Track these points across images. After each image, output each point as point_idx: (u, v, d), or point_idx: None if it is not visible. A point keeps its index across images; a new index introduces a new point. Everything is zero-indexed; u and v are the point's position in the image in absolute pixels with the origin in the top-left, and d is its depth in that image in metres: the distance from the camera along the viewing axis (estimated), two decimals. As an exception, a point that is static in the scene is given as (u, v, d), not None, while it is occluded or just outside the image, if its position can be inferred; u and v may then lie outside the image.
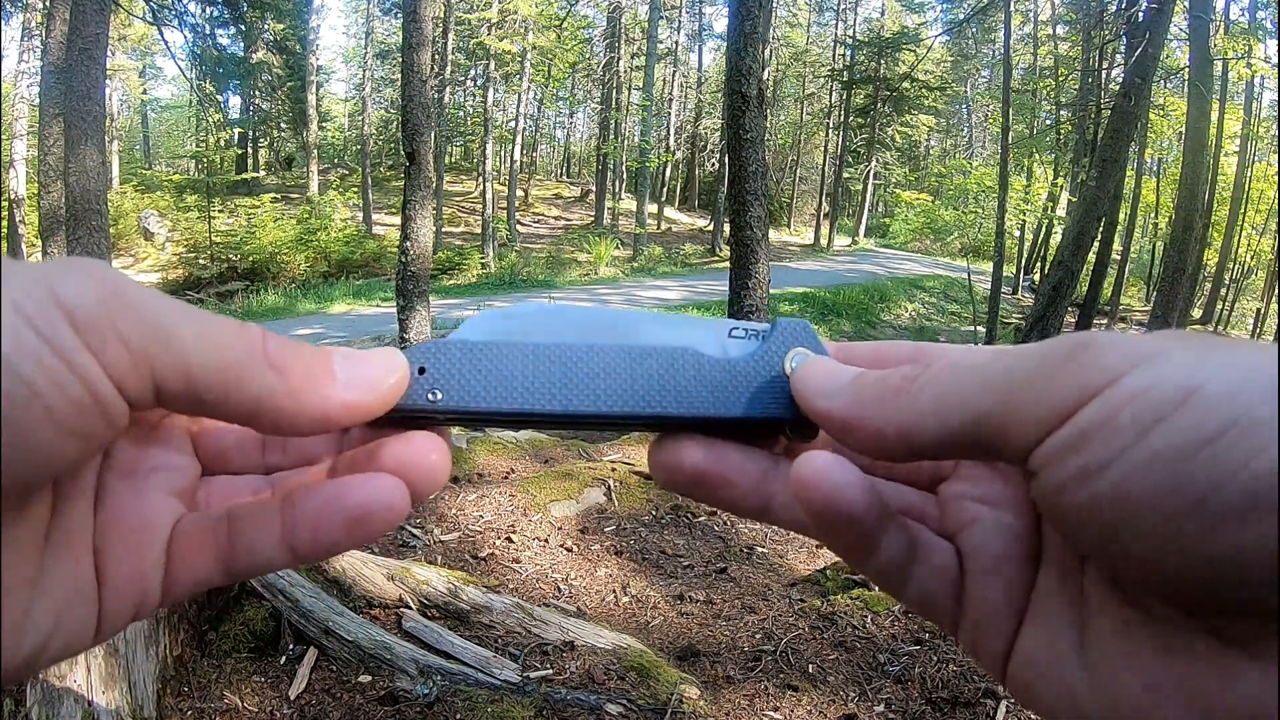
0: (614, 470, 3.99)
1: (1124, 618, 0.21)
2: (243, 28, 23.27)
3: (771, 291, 5.50)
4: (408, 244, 5.02)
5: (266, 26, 24.00)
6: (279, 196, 21.97)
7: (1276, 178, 18.00)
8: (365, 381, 0.25)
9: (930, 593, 0.28)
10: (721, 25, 32.51)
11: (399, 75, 4.97)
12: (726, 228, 8.53)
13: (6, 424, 0.19)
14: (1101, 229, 11.54)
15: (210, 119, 21.81)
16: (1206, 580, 0.17)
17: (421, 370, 0.28)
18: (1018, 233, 20.57)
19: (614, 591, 3.03)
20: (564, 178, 37.89)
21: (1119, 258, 17.89)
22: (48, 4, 7.82)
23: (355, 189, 24.71)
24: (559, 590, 2.99)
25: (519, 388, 0.28)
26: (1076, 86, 18.11)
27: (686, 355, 0.30)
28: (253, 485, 0.29)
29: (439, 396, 0.28)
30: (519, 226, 24.66)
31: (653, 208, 25.60)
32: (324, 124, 30.46)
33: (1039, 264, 22.82)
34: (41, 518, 0.23)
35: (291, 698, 2.03)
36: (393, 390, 0.26)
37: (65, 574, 0.24)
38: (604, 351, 0.29)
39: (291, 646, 2.16)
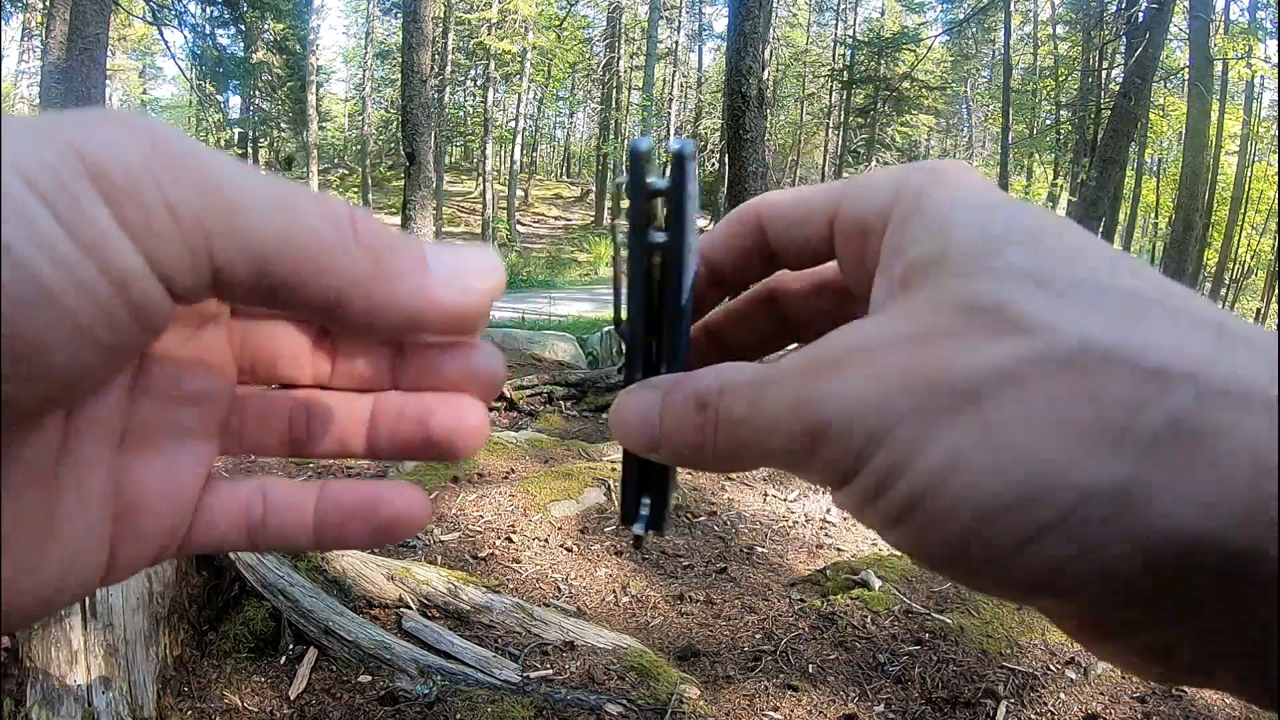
0: (614, 470, 3.99)
1: None
2: (243, 28, 23.27)
3: (771, 291, 5.51)
4: (408, 244, 5.04)
5: (266, 26, 24.01)
6: (279, 196, 21.93)
7: (1277, 178, 18.00)
8: (465, 283, 0.22)
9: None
10: (721, 25, 32.52)
11: (399, 75, 4.98)
12: (726, 228, 8.58)
13: (8, 338, 0.14)
14: (1101, 229, 11.54)
15: (210, 119, 21.84)
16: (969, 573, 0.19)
17: None
18: (1018, 233, 20.56)
19: (614, 591, 3.03)
20: (564, 178, 37.90)
21: (1119, 258, 17.87)
22: (48, 4, 7.82)
23: (355, 189, 24.73)
24: (559, 590, 2.99)
25: None
26: (1076, 86, 18.12)
27: None
28: (289, 407, 0.26)
29: None
30: (519, 226, 24.67)
31: (653, 208, 25.55)
32: (324, 124, 30.47)
33: (1039, 264, 22.76)
34: (51, 445, 0.20)
35: (291, 698, 2.03)
36: (489, 298, 0.23)
37: (77, 508, 0.21)
38: None
39: (291, 646, 2.16)
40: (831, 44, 29.68)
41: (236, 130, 26.86)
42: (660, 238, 0.28)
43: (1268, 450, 0.15)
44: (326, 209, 0.19)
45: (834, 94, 28.35)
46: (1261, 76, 17.37)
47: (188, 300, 0.18)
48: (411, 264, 0.21)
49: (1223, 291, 21.41)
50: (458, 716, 2.01)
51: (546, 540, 3.33)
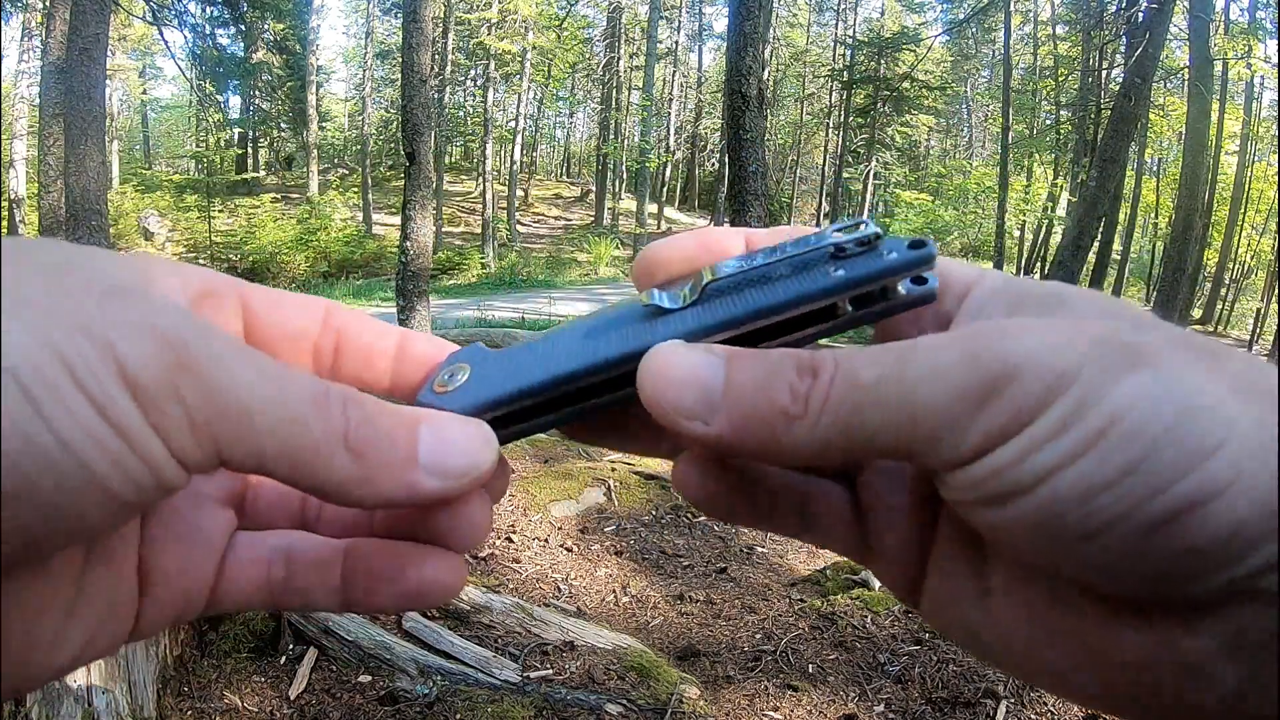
0: (614, 470, 3.99)
1: (1019, 573, 0.23)
2: (243, 28, 23.27)
3: (771, 291, 5.51)
4: (408, 244, 5.02)
5: (266, 26, 24.00)
6: (279, 196, 21.98)
7: (1276, 178, 18.00)
8: (453, 470, 0.23)
9: (837, 536, 0.28)
10: (721, 25, 32.53)
11: (399, 75, 4.97)
12: (727, 228, 8.59)
13: (56, 505, 0.17)
14: (1101, 229, 11.54)
15: (210, 119, 21.83)
16: (1102, 581, 0.20)
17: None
18: (1018, 233, 20.57)
19: (614, 591, 3.03)
20: (564, 178, 37.91)
21: (1119, 258, 17.89)
22: (48, 4, 7.82)
23: (355, 189, 24.73)
24: (559, 590, 2.99)
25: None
26: (1076, 86, 18.11)
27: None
28: (300, 499, 0.28)
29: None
30: (519, 226, 24.67)
31: (653, 208, 25.60)
32: (324, 124, 30.45)
33: (1039, 264, 22.80)
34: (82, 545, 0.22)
35: (291, 698, 2.03)
36: (476, 483, 0.24)
37: (104, 590, 0.23)
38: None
39: (291, 646, 2.16)
40: (831, 44, 29.68)
41: (236, 130, 26.86)
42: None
43: None
44: (321, 413, 0.21)
45: (834, 94, 28.35)
46: (1261, 76, 17.37)
47: (199, 472, 0.20)
48: (400, 460, 0.22)
49: (1223, 291, 21.42)
50: (458, 716, 2.01)
51: (546, 540, 3.33)
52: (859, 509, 0.27)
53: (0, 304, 0.17)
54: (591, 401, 0.27)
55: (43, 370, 0.17)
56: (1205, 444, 0.18)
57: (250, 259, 18.09)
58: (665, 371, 0.23)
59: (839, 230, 0.26)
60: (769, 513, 0.27)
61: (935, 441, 0.20)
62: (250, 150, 28.88)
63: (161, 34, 18.44)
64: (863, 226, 0.26)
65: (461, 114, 31.53)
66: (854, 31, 28.90)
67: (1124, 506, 0.19)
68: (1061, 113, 19.56)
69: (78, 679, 1.77)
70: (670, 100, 29.28)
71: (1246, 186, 20.12)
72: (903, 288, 0.25)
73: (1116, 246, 16.16)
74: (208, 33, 21.94)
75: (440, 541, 0.25)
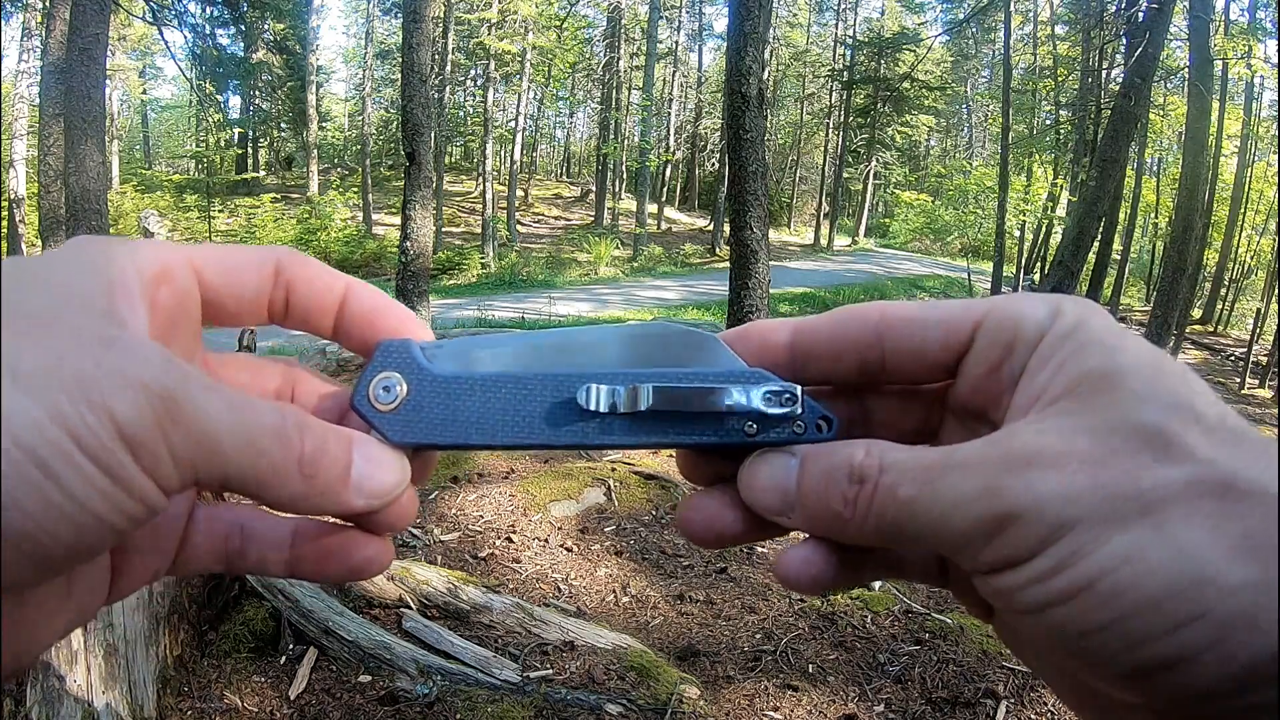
0: (614, 470, 3.99)
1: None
2: (243, 28, 23.27)
3: (771, 291, 5.50)
4: (408, 244, 5.02)
5: (266, 26, 24.00)
6: (279, 196, 21.98)
7: (1276, 178, 18.00)
8: (375, 491, 0.28)
9: (922, 575, 0.31)
10: (721, 25, 32.54)
11: (399, 75, 4.97)
12: (726, 228, 8.55)
13: (68, 544, 0.21)
14: (1101, 229, 11.53)
15: (210, 119, 21.84)
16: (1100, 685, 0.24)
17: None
18: (1018, 233, 20.55)
19: (614, 591, 3.03)
20: (564, 178, 37.90)
21: (1119, 258, 17.88)
22: (48, 4, 7.82)
23: (355, 189, 24.72)
24: (559, 590, 2.99)
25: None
26: (1076, 86, 18.11)
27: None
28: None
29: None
30: (519, 226, 24.66)
31: (653, 208, 25.60)
32: (324, 124, 30.46)
33: (1039, 264, 22.81)
34: None
35: (291, 698, 2.03)
36: (392, 499, 0.29)
37: (88, 573, 0.27)
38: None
39: (291, 646, 2.16)
40: (831, 44, 29.67)
41: (236, 130, 26.86)
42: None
43: None
44: (281, 442, 0.25)
45: (834, 94, 28.35)
46: (1261, 76, 17.37)
47: (175, 493, 0.24)
48: (338, 478, 0.27)
49: (1223, 291, 21.41)
50: (458, 716, 2.01)
51: (546, 540, 3.33)
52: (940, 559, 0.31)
53: (3, 377, 0.20)
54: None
55: (57, 444, 0.20)
56: (1186, 612, 0.20)
57: (250, 259, 18.05)
58: (754, 482, 0.28)
59: (768, 398, 0.29)
60: (860, 573, 0.31)
61: (957, 554, 0.24)
62: (250, 150, 28.87)
63: (161, 34, 18.44)
64: (789, 403, 0.29)
65: (461, 114, 31.52)
66: (854, 31, 28.89)
67: (1105, 651, 0.21)
68: (1061, 113, 19.56)
69: (78, 679, 1.76)
70: (670, 100, 29.28)
71: (1246, 186, 20.11)
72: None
73: (1116, 246, 16.15)
74: (208, 33, 21.93)
75: (371, 528, 0.30)
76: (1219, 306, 21.30)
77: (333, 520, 0.30)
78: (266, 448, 0.25)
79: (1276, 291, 18.20)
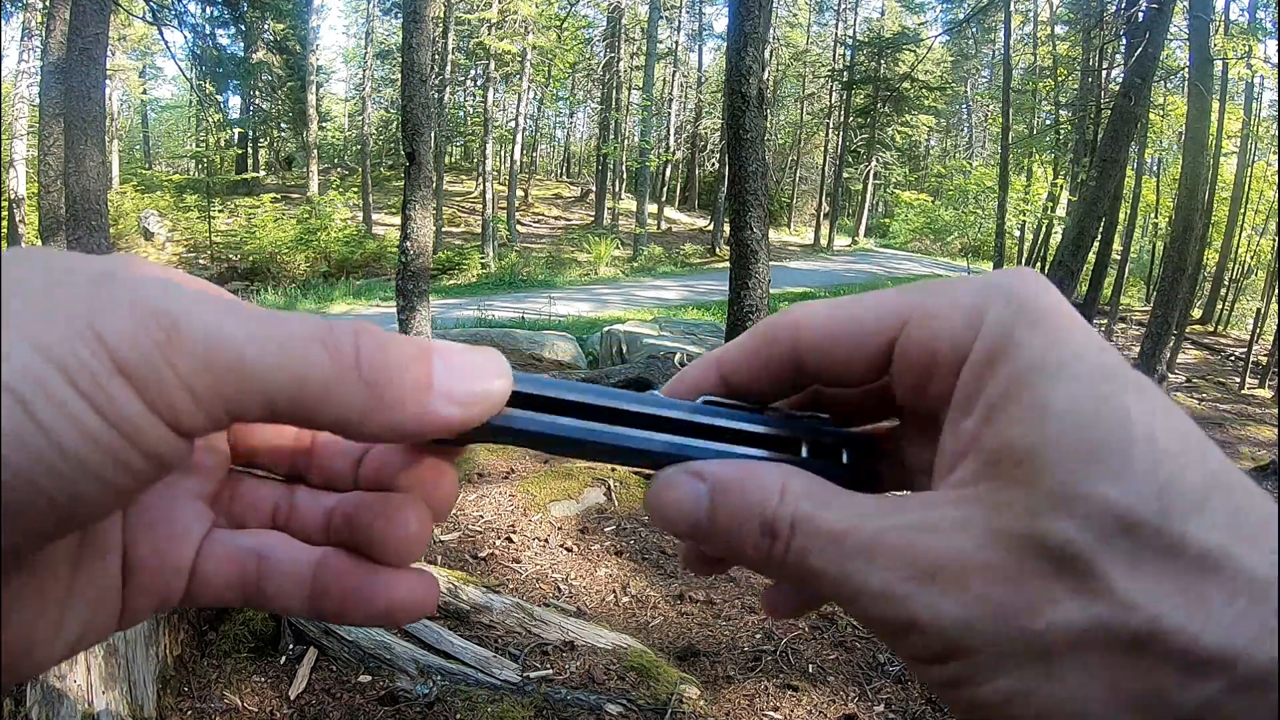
0: (614, 470, 3.99)
1: None
2: (243, 28, 23.26)
3: (771, 291, 5.50)
4: (408, 244, 5.02)
5: (266, 26, 24.00)
6: (279, 196, 21.97)
7: (1276, 178, 18.00)
8: (467, 396, 0.23)
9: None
10: (721, 25, 32.53)
11: (399, 75, 4.96)
12: (726, 228, 8.55)
13: (60, 503, 0.18)
14: (1101, 229, 11.52)
15: (210, 119, 21.84)
16: None
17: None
18: (1018, 233, 20.56)
19: (614, 591, 3.03)
20: (564, 178, 37.90)
21: (1119, 258, 17.87)
22: (48, 4, 7.82)
23: (355, 189, 24.72)
24: (559, 590, 2.99)
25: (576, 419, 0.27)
26: (1076, 86, 18.11)
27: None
28: (274, 495, 0.29)
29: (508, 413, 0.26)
30: (519, 226, 24.66)
31: (653, 208, 25.60)
32: (324, 124, 30.46)
33: (1039, 264, 22.79)
34: (76, 536, 0.23)
35: (291, 698, 2.03)
36: (493, 406, 0.24)
37: (94, 581, 0.24)
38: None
39: (291, 646, 2.16)
40: (831, 44, 29.67)
41: (236, 130, 26.86)
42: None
43: None
44: (330, 347, 0.20)
45: (834, 94, 28.34)
46: (1261, 76, 17.36)
47: (212, 432, 0.20)
48: (415, 389, 0.22)
49: (1223, 291, 21.41)
50: (458, 716, 2.01)
51: (546, 540, 3.33)
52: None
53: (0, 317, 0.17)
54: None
55: (44, 382, 0.17)
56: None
57: (250, 259, 18.09)
58: (661, 505, 0.25)
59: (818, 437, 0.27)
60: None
61: (870, 628, 0.23)
62: (250, 150, 28.87)
63: (161, 34, 18.44)
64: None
65: (461, 114, 31.52)
66: (854, 32, 28.89)
67: None
68: (1061, 113, 19.55)
69: (78, 679, 1.76)
70: (670, 100, 29.28)
71: (1246, 186, 20.11)
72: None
73: (1116, 246, 16.15)
74: (208, 33, 21.93)
75: (417, 506, 0.26)
76: (1219, 306, 21.29)
77: (364, 558, 0.26)
78: (308, 355, 0.20)
79: (1276, 291, 18.20)
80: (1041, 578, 0.19)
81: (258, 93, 26.51)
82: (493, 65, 23.48)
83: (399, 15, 18.11)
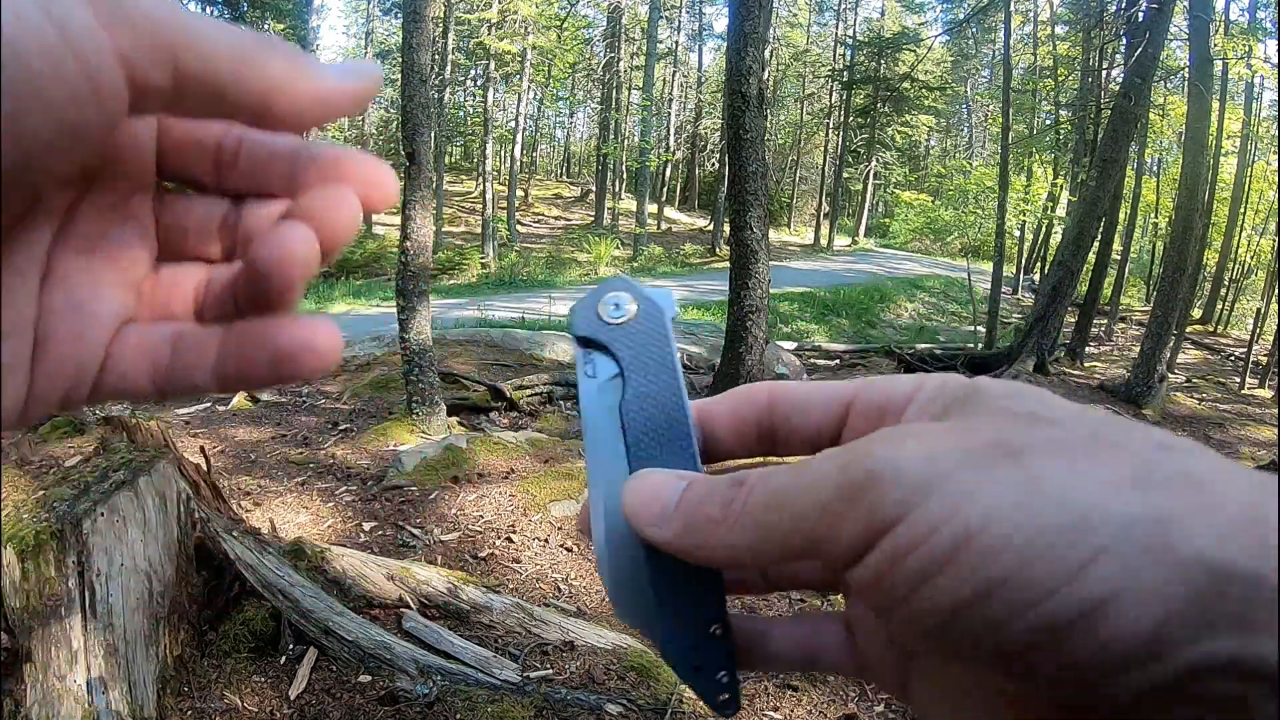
0: (614, 470, 3.98)
1: (973, 679, 0.24)
2: (242, 28, 23.26)
3: (771, 291, 5.50)
4: (407, 244, 5.02)
5: (266, 26, 24.02)
6: (279, 196, 21.95)
7: (1276, 178, 18.01)
8: (352, 72, 0.25)
9: (838, 664, 0.31)
10: (721, 25, 32.54)
11: (399, 75, 4.96)
12: (726, 228, 8.56)
13: (4, 115, 0.18)
14: (1101, 229, 11.53)
15: (210, 119, 21.78)
16: (1010, 682, 0.20)
17: (697, 669, 0.30)
18: (1018, 233, 20.57)
19: (614, 591, 3.03)
20: (564, 178, 37.90)
21: (1119, 258, 17.88)
22: (48, 4, 7.81)
23: (355, 189, 24.68)
24: (559, 590, 2.99)
25: None
26: (1076, 86, 18.12)
27: (629, 422, 0.31)
28: (195, 281, 0.28)
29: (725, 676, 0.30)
30: (519, 226, 24.66)
31: (653, 208, 25.60)
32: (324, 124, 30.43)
33: (1039, 264, 22.82)
34: None
35: (291, 698, 2.03)
36: (372, 83, 0.26)
37: (9, 345, 0.23)
38: None
39: (291, 646, 2.16)
40: (831, 44, 29.67)
41: (236, 130, 26.85)
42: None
43: (1250, 498, 0.18)
44: (250, 30, 0.23)
45: (834, 94, 28.34)
46: (1261, 76, 17.38)
47: (149, 100, 0.21)
48: (313, 63, 0.24)
49: (1223, 291, 21.41)
50: (458, 716, 2.01)
51: (546, 540, 3.33)
52: (854, 641, 0.31)
53: None
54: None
55: None
56: (1082, 552, 0.18)
57: (250, 259, 18.06)
58: (640, 490, 0.28)
59: None
60: (774, 658, 0.31)
61: (818, 542, 0.22)
62: (250, 150, 28.84)
63: (161, 34, 18.42)
64: None
65: (461, 114, 31.52)
66: (854, 32, 28.89)
67: (988, 622, 0.19)
68: (1061, 113, 19.55)
69: (78, 679, 1.77)
70: (670, 100, 29.29)
71: (1246, 186, 20.12)
72: None
73: (1116, 246, 16.15)
74: (208, 33, 21.93)
75: (299, 226, 0.25)
76: (1219, 306, 21.30)
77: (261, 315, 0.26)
78: (239, 29, 0.23)
79: (1276, 291, 18.20)
80: (997, 423, 0.22)
81: (258, 93, 26.51)
82: (493, 65, 23.47)
83: (399, 15, 18.10)
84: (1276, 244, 18.48)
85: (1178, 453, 0.20)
